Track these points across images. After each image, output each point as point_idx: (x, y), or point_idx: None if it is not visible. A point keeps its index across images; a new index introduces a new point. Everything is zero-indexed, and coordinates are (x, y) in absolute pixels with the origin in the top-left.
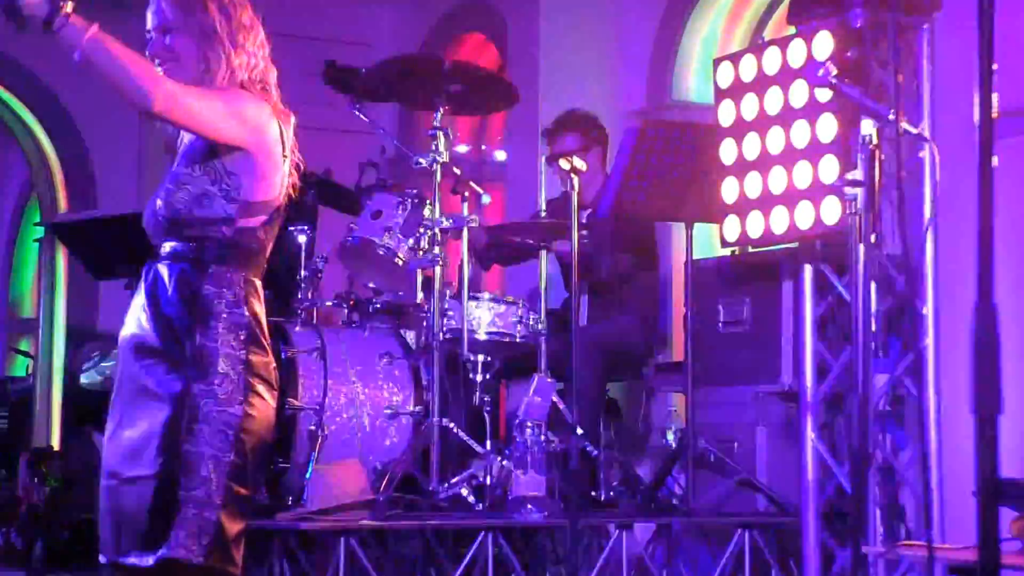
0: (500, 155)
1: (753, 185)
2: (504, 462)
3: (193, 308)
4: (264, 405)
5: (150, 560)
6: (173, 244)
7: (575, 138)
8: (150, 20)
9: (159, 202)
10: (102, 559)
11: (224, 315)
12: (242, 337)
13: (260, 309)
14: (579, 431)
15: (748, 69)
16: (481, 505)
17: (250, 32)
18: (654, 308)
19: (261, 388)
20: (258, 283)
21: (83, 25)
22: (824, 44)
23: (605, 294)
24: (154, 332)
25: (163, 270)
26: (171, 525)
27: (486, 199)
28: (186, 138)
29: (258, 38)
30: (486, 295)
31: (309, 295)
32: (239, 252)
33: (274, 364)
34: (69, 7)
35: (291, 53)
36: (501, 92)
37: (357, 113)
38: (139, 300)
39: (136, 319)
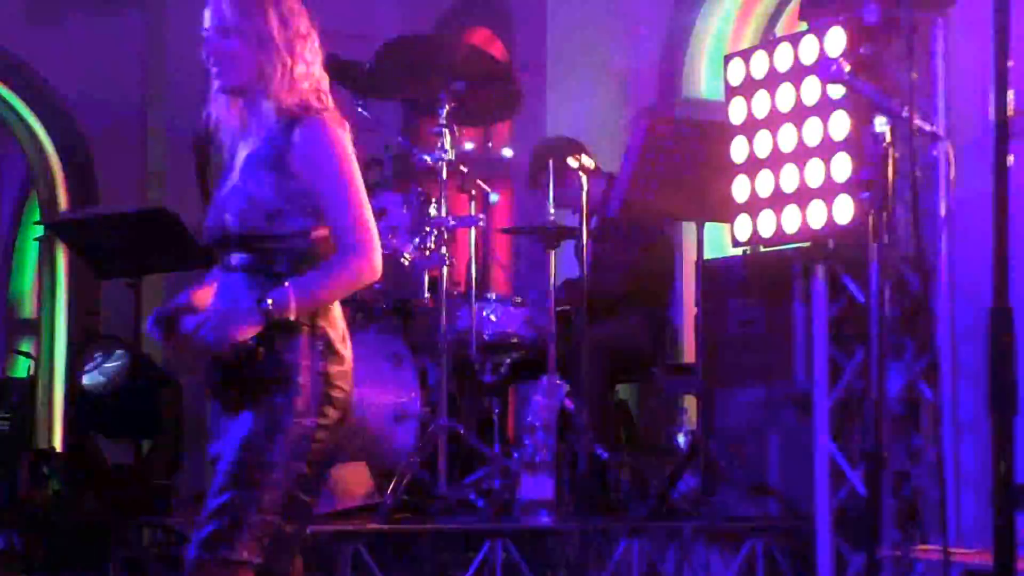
0: (507, 152)
1: (765, 184)
2: (512, 465)
3: (275, 323)
4: (336, 414)
5: (209, 556)
6: (245, 256)
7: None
8: (208, 19)
9: (228, 216)
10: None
11: (305, 327)
12: (320, 348)
13: (337, 314)
14: (588, 434)
15: (760, 66)
16: (489, 509)
17: (307, 41)
18: (664, 308)
19: (336, 397)
20: None
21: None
22: (837, 40)
23: (613, 295)
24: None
25: (237, 282)
26: (235, 525)
27: (494, 197)
28: (242, 152)
29: (313, 47)
30: (494, 296)
31: None
32: (314, 261)
33: (350, 372)
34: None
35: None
36: (506, 93)
37: (360, 110)
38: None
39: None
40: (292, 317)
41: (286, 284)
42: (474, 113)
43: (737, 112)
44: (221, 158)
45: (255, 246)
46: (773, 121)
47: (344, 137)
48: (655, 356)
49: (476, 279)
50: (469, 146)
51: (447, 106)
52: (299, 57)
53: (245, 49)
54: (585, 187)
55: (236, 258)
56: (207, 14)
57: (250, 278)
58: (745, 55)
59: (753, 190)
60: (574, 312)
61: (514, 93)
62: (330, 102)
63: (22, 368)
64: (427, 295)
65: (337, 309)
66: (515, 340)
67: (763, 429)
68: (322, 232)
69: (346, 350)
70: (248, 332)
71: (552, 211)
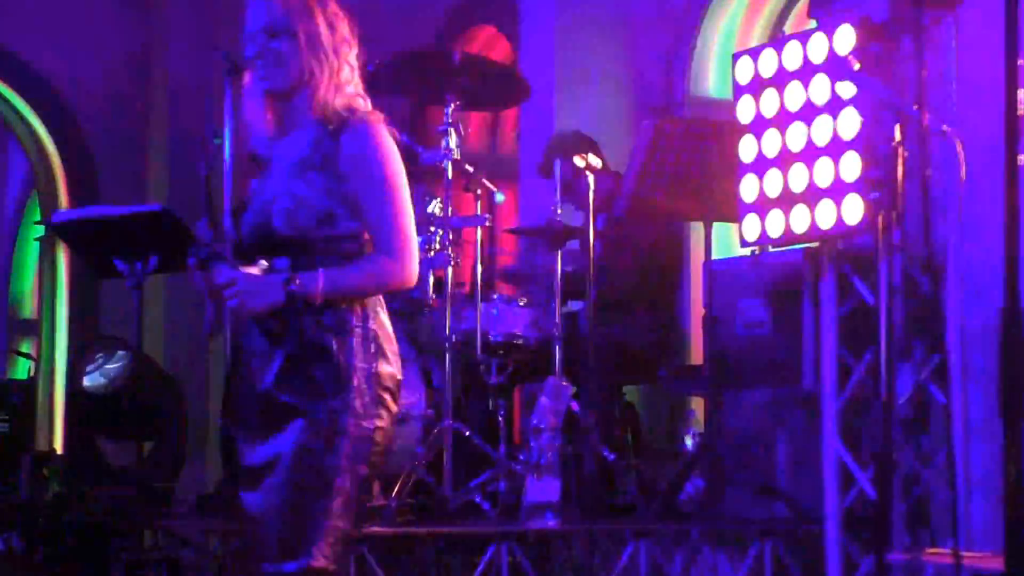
0: (500, 198)
1: (773, 183)
2: (518, 467)
3: (328, 324)
4: (390, 416)
5: (291, 567)
6: (290, 259)
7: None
8: (253, 21)
9: (273, 219)
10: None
11: (357, 329)
12: (372, 350)
13: (385, 318)
14: (594, 436)
15: (768, 64)
16: (495, 511)
17: (351, 47)
18: (670, 309)
19: (388, 399)
20: (381, 296)
21: (312, 288)
22: (846, 38)
23: (619, 295)
24: (288, 346)
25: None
26: (311, 535)
27: (500, 197)
28: (279, 155)
29: (354, 51)
30: (499, 296)
31: None
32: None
33: (399, 373)
34: (296, 282)
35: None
36: (513, 86)
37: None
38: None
39: (258, 329)
40: (316, 302)
41: (318, 270)
42: (482, 101)
43: (745, 111)
44: (258, 160)
45: (304, 248)
46: (782, 120)
47: (388, 139)
48: (662, 358)
49: (481, 279)
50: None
51: (452, 104)
52: (344, 61)
53: (293, 51)
54: (592, 186)
55: (280, 261)
56: (252, 15)
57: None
58: (754, 53)
59: (761, 190)
60: (580, 313)
61: (520, 81)
62: (369, 105)
63: (22, 369)
64: (432, 295)
65: (384, 312)
66: (521, 341)
67: (771, 431)
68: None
69: (394, 352)
70: (268, 307)
71: (559, 211)
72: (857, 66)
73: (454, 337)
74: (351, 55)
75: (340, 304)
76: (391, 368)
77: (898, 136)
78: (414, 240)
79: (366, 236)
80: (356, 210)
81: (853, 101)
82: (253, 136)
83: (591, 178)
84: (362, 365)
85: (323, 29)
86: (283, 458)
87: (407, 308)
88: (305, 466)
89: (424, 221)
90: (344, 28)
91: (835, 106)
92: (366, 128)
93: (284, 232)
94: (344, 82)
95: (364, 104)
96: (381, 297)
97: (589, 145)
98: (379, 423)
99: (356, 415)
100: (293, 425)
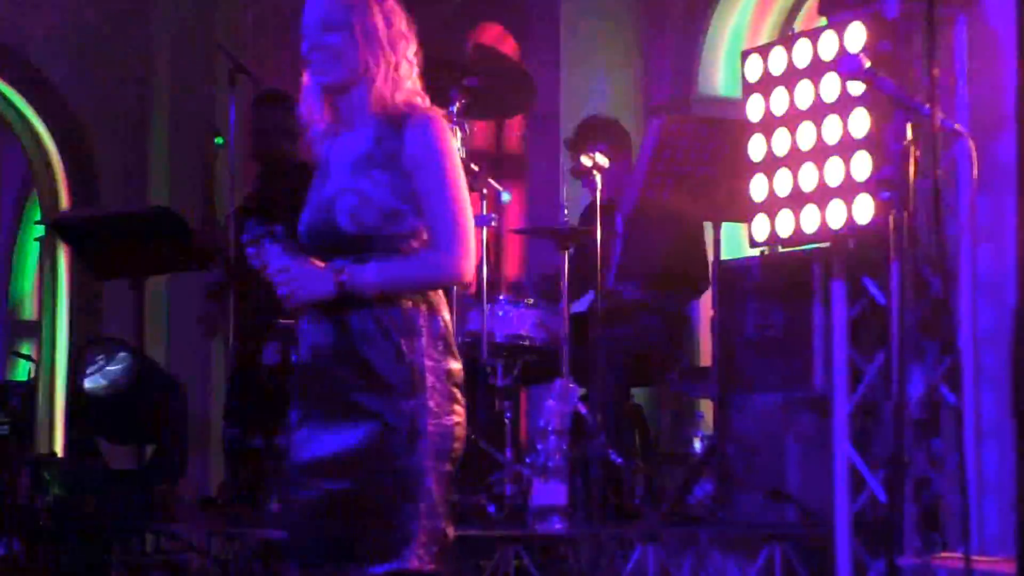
0: (506, 197)
1: (783, 183)
2: (524, 470)
3: (398, 323)
4: (463, 412)
5: (379, 570)
6: (355, 258)
7: (603, 148)
8: (309, 15)
9: (338, 216)
10: (293, 567)
11: (424, 327)
12: (440, 348)
13: (447, 315)
14: (602, 438)
15: (778, 62)
16: (501, 515)
17: (409, 42)
18: (680, 311)
19: (459, 395)
20: (442, 292)
21: (362, 281)
22: (857, 36)
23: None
24: (356, 345)
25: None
26: (401, 538)
27: (506, 197)
28: (338, 151)
29: (412, 47)
30: (505, 297)
31: None
32: None
33: (463, 372)
34: (344, 275)
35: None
36: (520, 87)
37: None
38: (324, 310)
39: (326, 328)
40: (367, 295)
41: (369, 263)
42: (487, 107)
43: (755, 109)
44: (316, 158)
45: (367, 246)
46: (792, 118)
47: (451, 138)
48: (671, 360)
49: (487, 280)
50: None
51: (458, 103)
52: (402, 56)
53: (349, 45)
54: (599, 185)
55: (339, 263)
56: (308, 9)
57: None
58: (763, 51)
59: (771, 189)
60: (589, 314)
61: (528, 85)
62: (428, 102)
63: (23, 371)
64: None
65: (447, 309)
66: (527, 342)
67: (781, 434)
68: None
69: (456, 349)
70: (318, 297)
71: (566, 211)
72: (868, 64)
73: (460, 338)
74: (409, 51)
75: (406, 304)
76: (458, 364)
77: (909, 135)
78: (471, 238)
79: (427, 235)
80: (419, 206)
81: (864, 99)
82: (311, 133)
83: (598, 178)
84: (433, 364)
85: (380, 23)
86: (361, 462)
87: None
88: (387, 470)
89: None
90: (401, 23)
91: (846, 104)
92: (429, 124)
93: (349, 230)
94: (402, 77)
95: (423, 101)
96: (442, 294)
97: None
98: (456, 419)
99: (433, 414)
100: (368, 428)
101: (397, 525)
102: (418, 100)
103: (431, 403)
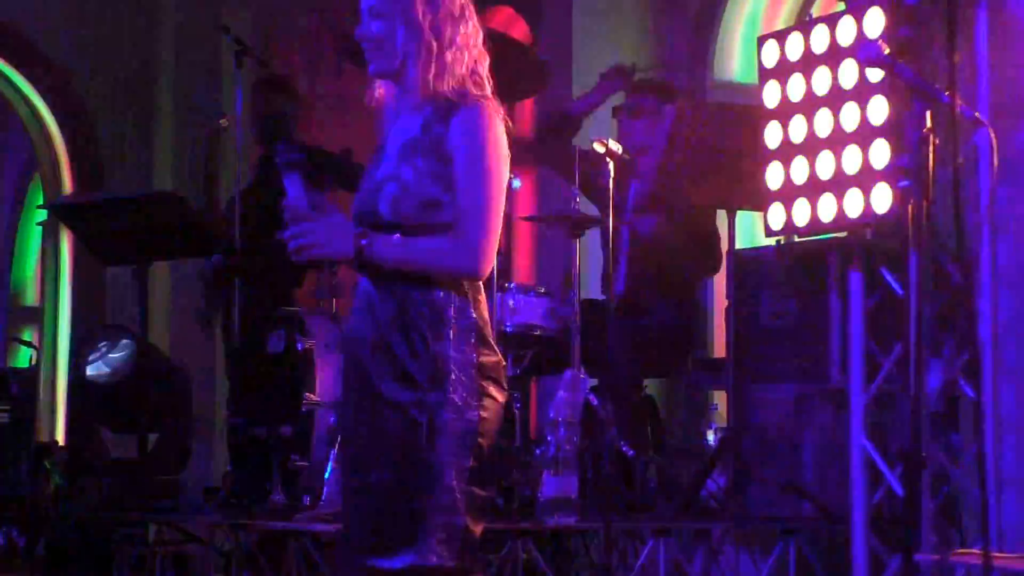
0: (515, 183)
1: (799, 171)
2: (534, 462)
3: (425, 314)
4: (496, 406)
5: (396, 564)
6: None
7: (651, 101)
8: (362, 1)
9: (380, 203)
10: (338, 558)
11: (454, 320)
12: (472, 340)
13: (485, 308)
14: (613, 430)
15: (795, 48)
16: (511, 507)
17: (459, 23)
18: (694, 300)
19: (493, 389)
20: (480, 283)
21: (383, 251)
22: (876, 21)
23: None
24: (386, 336)
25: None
26: (418, 532)
27: (516, 184)
28: (394, 137)
29: (468, 28)
30: (515, 285)
31: (329, 283)
32: None
33: (504, 363)
34: (366, 238)
35: (305, 24)
36: (531, 71)
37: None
38: (365, 299)
39: (365, 317)
40: (384, 267)
41: (393, 236)
42: (498, 89)
43: (771, 96)
44: (381, 141)
45: (407, 235)
46: (809, 105)
47: (499, 128)
48: (684, 350)
49: (497, 268)
50: None
51: None
52: (449, 40)
53: (389, 33)
54: (612, 174)
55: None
56: None
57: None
58: (780, 36)
59: (787, 177)
60: (602, 303)
61: (539, 67)
62: (488, 88)
63: (24, 358)
64: None
65: (483, 299)
66: (538, 332)
67: (796, 426)
68: None
69: (494, 342)
70: (334, 255)
71: (577, 198)
72: (887, 50)
73: None
74: (460, 33)
75: (437, 294)
76: (494, 357)
77: (929, 123)
78: (495, 236)
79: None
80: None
81: (882, 87)
82: (383, 116)
83: (611, 165)
84: (460, 356)
85: (421, 9)
86: (385, 454)
87: None
88: (408, 462)
89: None
90: (452, 4)
91: (864, 91)
92: (476, 113)
93: (388, 218)
94: (451, 63)
95: (480, 88)
96: (480, 285)
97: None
98: (483, 414)
99: (456, 409)
100: (393, 420)
101: (416, 519)
102: (470, 87)
103: (455, 396)
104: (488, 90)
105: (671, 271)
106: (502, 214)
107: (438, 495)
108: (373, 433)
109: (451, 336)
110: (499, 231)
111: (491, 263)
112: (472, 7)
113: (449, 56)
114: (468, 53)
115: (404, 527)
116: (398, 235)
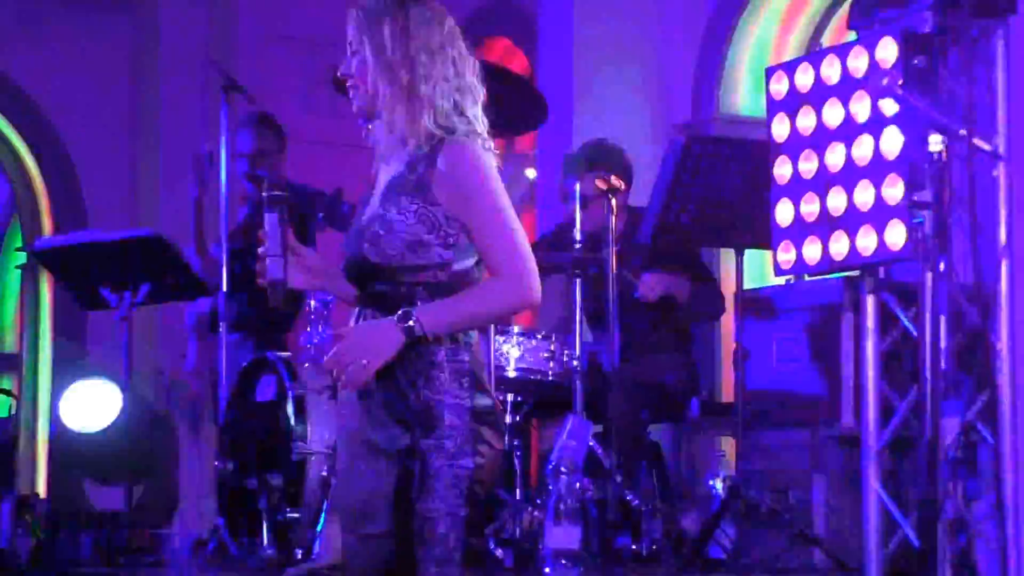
0: (530, 173)
1: (810, 207)
2: (535, 512)
3: (413, 358)
4: (492, 452)
5: None
6: (382, 288)
7: (605, 177)
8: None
9: (366, 245)
10: None
11: (446, 363)
12: (465, 384)
13: (480, 351)
14: (618, 478)
15: (804, 79)
16: (509, 560)
17: (437, 56)
18: (698, 343)
19: (487, 434)
20: None
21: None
22: (888, 51)
23: (643, 327)
24: (377, 382)
25: (375, 317)
26: None
27: (531, 173)
28: (382, 177)
29: (447, 61)
30: (515, 328)
31: (319, 329)
32: (454, 294)
33: (501, 407)
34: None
35: (298, 60)
36: (530, 104)
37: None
38: None
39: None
40: (440, 331)
41: (435, 302)
42: (497, 124)
43: (780, 129)
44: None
45: (394, 278)
46: (820, 139)
47: (490, 160)
48: (690, 394)
49: None
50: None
51: None
52: (424, 76)
53: (365, 68)
54: (614, 211)
55: (378, 285)
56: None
57: (385, 312)
58: (789, 68)
59: (797, 214)
60: (602, 349)
61: (538, 101)
62: (479, 124)
63: (3, 407)
64: None
65: (476, 340)
66: (538, 376)
67: (807, 473)
68: (464, 265)
69: (489, 386)
70: (389, 357)
71: (578, 237)
72: (901, 81)
73: None
74: (437, 67)
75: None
76: (487, 400)
77: (945, 156)
78: (528, 256)
79: (456, 267)
80: (448, 238)
81: (896, 119)
82: (375, 159)
83: (614, 202)
84: (453, 402)
85: (390, 38)
86: (378, 503)
87: None
88: (401, 512)
89: None
90: (430, 34)
91: (877, 124)
92: (460, 150)
93: (373, 260)
94: (425, 97)
95: (468, 123)
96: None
97: (612, 158)
98: (478, 460)
99: (449, 455)
100: (385, 468)
101: (411, 572)
102: (456, 122)
103: (448, 443)
104: (477, 124)
105: (670, 320)
106: (524, 234)
107: (431, 545)
108: (367, 482)
109: (443, 380)
110: (528, 253)
111: (536, 286)
112: (459, 39)
113: (424, 91)
114: (446, 87)
115: None
116: (439, 301)
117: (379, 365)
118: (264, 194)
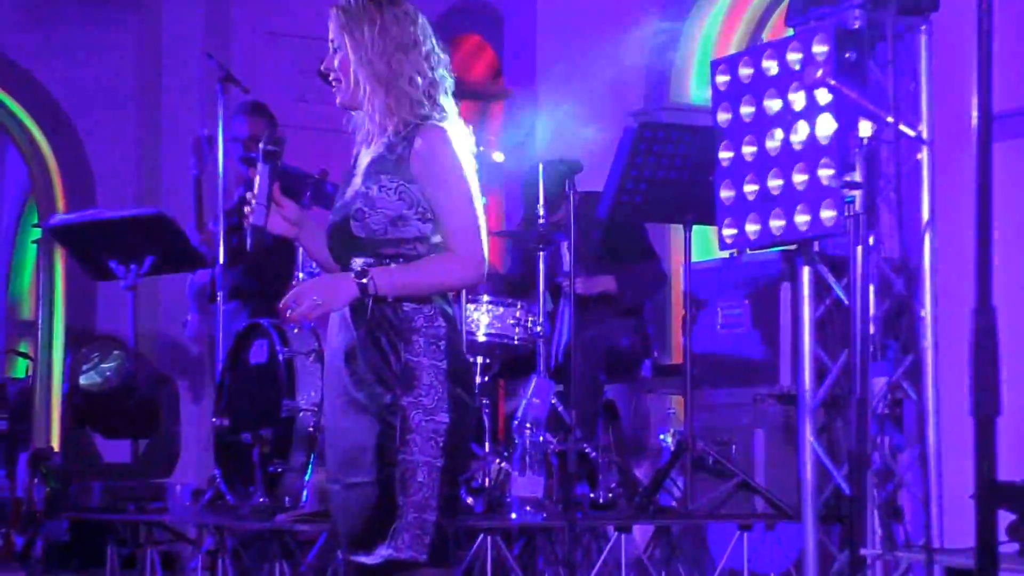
0: (498, 157)
1: (751, 187)
2: (502, 464)
3: (395, 324)
4: (466, 410)
5: (376, 559)
6: (365, 260)
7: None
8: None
9: (350, 220)
10: (339, 554)
11: (424, 328)
12: (442, 347)
13: (454, 318)
14: (577, 433)
15: (746, 71)
16: (480, 507)
17: (410, 52)
18: (649, 310)
19: (462, 393)
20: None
21: (384, 282)
22: (822, 46)
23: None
24: (360, 346)
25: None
26: (393, 528)
27: (482, 201)
28: (364, 159)
29: (421, 54)
30: (485, 297)
31: None
32: None
33: (472, 370)
34: (366, 279)
35: (286, 50)
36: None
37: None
38: (341, 313)
39: (341, 330)
40: (389, 292)
41: (390, 267)
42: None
43: (724, 117)
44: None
45: (376, 250)
46: (760, 126)
47: (461, 145)
48: (643, 356)
49: None
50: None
51: None
52: (397, 72)
53: (345, 64)
54: (575, 190)
55: (357, 263)
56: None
57: None
58: (732, 61)
59: (740, 193)
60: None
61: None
62: (448, 110)
63: (21, 369)
64: None
65: (451, 308)
66: (506, 342)
67: (749, 428)
68: (440, 238)
69: (462, 349)
70: (344, 304)
71: (541, 212)
72: (832, 75)
73: None
74: (416, 59)
75: (406, 306)
76: (463, 364)
77: (873, 141)
78: (481, 240)
79: (434, 240)
80: (426, 214)
81: (829, 107)
82: (355, 144)
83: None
84: (430, 363)
85: (369, 37)
86: (362, 456)
87: None
88: (384, 462)
89: None
90: (404, 31)
91: (812, 112)
92: (435, 132)
93: (358, 234)
94: (403, 90)
95: (441, 111)
96: (449, 295)
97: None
98: (453, 416)
99: (427, 411)
100: (369, 424)
101: (392, 516)
102: (426, 110)
103: (425, 400)
104: (448, 112)
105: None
106: (483, 219)
107: (412, 492)
108: (351, 437)
109: (421, 344)
110: (482, 236)
111: (483, 269)
112: (429, 34)
113: (401, 85)
114: (421, 79)
115: (382, 524)
116: (394, 267)
117: (330, 308)
118: (261, 146)
